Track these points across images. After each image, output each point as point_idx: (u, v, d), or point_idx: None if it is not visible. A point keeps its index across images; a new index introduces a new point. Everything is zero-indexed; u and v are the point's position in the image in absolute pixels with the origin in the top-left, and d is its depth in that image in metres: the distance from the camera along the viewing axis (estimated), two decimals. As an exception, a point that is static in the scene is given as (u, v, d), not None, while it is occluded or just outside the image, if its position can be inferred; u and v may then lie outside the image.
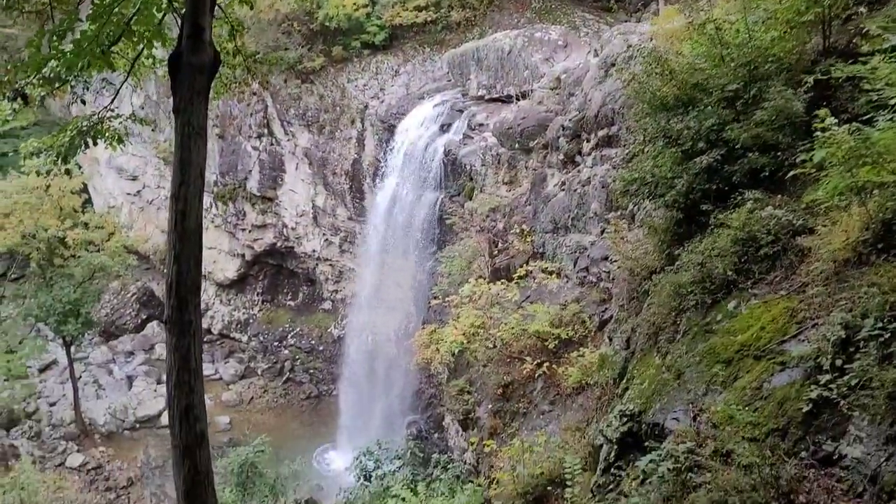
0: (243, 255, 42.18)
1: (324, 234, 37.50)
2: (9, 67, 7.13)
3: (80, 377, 38.37)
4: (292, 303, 43.57)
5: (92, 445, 34.71)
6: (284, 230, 39.27)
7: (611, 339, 12.86)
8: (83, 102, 8.42)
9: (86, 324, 32.97)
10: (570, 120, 18.63)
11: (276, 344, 42.30)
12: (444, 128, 28.07)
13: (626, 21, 30.50)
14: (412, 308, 33.85)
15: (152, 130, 43.71)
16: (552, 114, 20.70)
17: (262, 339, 42.77)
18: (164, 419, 36.86)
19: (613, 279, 16.78)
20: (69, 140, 7.92)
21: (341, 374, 38.15)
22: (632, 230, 15.06)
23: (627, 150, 16.42)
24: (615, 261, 16.31)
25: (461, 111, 28.19)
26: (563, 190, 19.32)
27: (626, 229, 14.35)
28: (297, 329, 42.39)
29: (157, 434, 36.31)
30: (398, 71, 32.30)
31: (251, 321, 43.79)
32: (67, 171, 34.00)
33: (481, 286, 18.82)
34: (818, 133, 7.97)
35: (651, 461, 7.96)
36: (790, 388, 7.12)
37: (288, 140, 36.14)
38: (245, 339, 43.27)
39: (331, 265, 38.93)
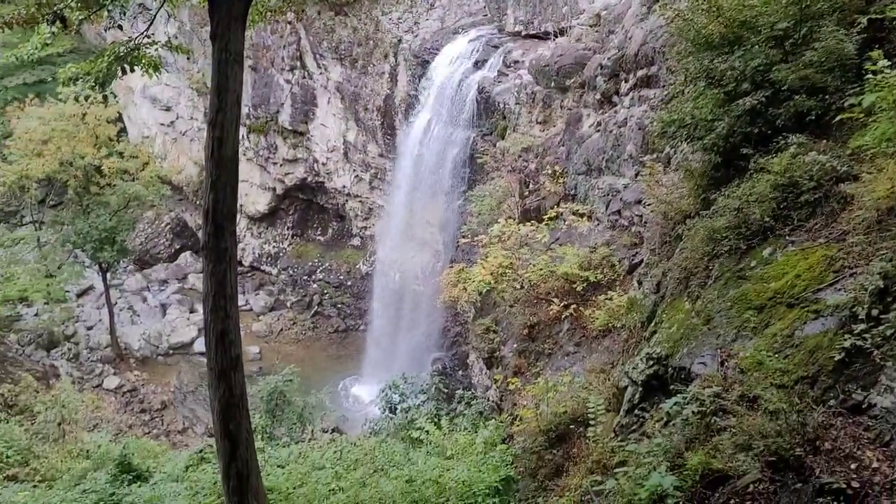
0: (274, 189, 42.43)
1: (354, 171, 37.47)
2: (46, -12, 7.06)
3: (116, 303, 39.42)
4: (321, 238, 43.96)
5: (127, 369, 35.90)
6: (315, 165, 39.31)
7: (640, 283, 12.78)
8: (120, 28, 8.36)
9: (121, 251, 33.66)
10: (608, 58, 18.12)
11: (305, 278, 42.90)
12: (479, 64, 27.54)
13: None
14: (440, 247, 33.96)
15: (187, 59, 43.55)
16: (590, 52, 20.15)
17: (291, 272, 43.37)
18: (197, 346, 37.94)
19: (646, 223, 16.60)
20: (106, 66, 7.91)
21: (369, 310, 38.71)
22: (667, 173, 14.79)
23: (667, 91, 16.00)
24: (649, 204, 16.09)
25: (496, 47, 27.59)
26: (599, 131, 18.96)
27: (661, 172, 14.09)
28: (326, 264, 42.88)
29: (190, 360, 37.43)
30: (433, 4, 31.57)
31: (281, 255, 44.36)
32: (105, 98, 34.31)
33: (511, 226, 18.75)
34: (869, 76, 7.65)
35: (676, 403, 7.98)
36: (823, 337, 7.04)
37: (320, 73, 35.81)
38: (275, 272, 43.93)
39: (360, 201, 39.02)
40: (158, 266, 44.93)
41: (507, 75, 25.78)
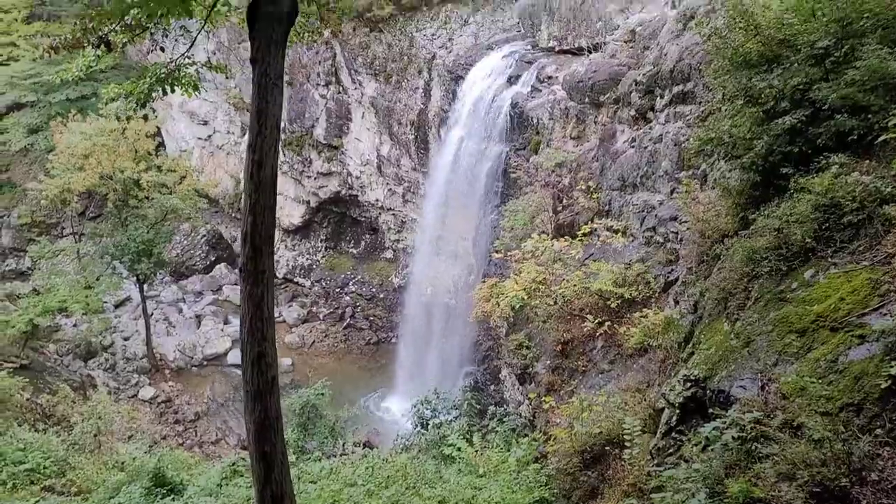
0: (308, 202, 42.88)
1: (387, 184, 37.70)
2: (93, 15, 7.25)
3: (152, 314, 40.08)
4: (354, 250, 44.27)
5: (162, 380, 36.41)
6: (349, 178, 39.64)
7: (677, 302, 12.63)
8: (162, 50, 8.54)
9: (158, 263, 34.24)
10: (643, 74, 18.01)
11: (337, 290, 43.20)
12: (512, 79, 27.57)
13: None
14: (473, 260, 33.92)
15: (226, 77, 44.31)
16: (625, 67, 20.05)
17: (324, 284, 43.72)
18: (230, 358, 38.36)
19: (682, 240, 16.40)
20: (148, 87, 8.08)
21: (401, 323, 38.78)
22: (703, 191, 14.61)
23: (703, 108, 15.87)
24: (685, 222, 15.91)
25: (530, 63, 27.61)
26: (633, 147, 18.83)
27: (697, 190, 13.92)
28: (359, 276, 43.14)
29: (223, 372, 37.85)
30: (467, 21, 31.74)
31: (314, 267, 44.75)
32: (144, 117, 35.09)
33: (544, 241, 18.66)
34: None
35: (715, 428, 7.85)
36: (868, 363, 6.87)
37: (355, 89, 36.17)
38: (308, 284, 44.30)
39: (393, 214, 39.22)
40: (194, 277, 45.61)
41: (541, 91, 25.77)
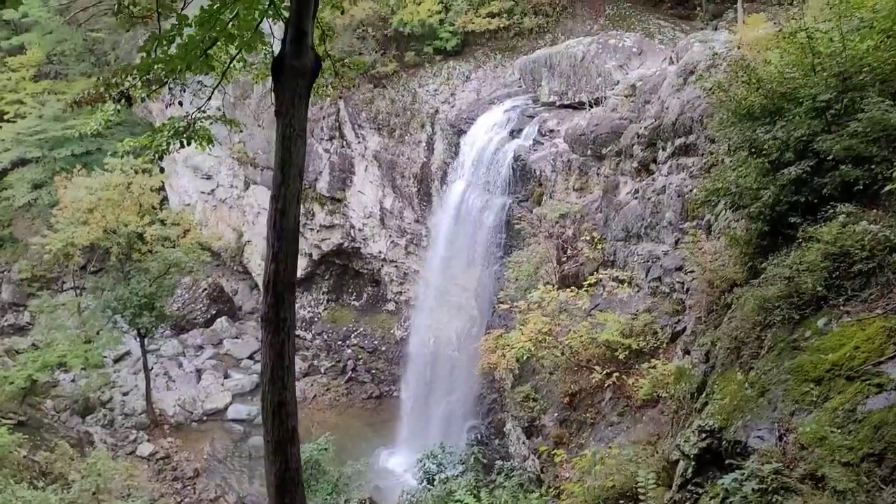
0: (311, 255, 42.98)
1: (390, 236, 37.89)
2: (118, 70, 7.44)
3: (152, 368, 39.72)
4: (356, 303, 44.18)
5: (161, 436, 35.87)
6: (352, 231, 39.86)
7: (687, 352, 12.59)
8: (180, 104, 8.74)
9: (159, 317, 34.14)
10: (645, 127, 18.34)
11: (339, 343, 42.95)
12: (515, 133, 28.00)
13: (701, 29, 29.91)
14: (475, 312, 33.84)
15: (239, 131, 44.91)
16: (626, 121, 20.42)
17: (325, 337, 43.49)
18: (231, 413, 37.92)
19: (688, 290, 16.43)
20: (166, 140, 8.24)
21: (403, 376, 38.45)
22: (709, 241, 14.72)
23: (705, 160, 16.11)
24: (691, 272, 15.97)
25: (532, 117, 28.07)
26: (636, 198, 19.03)
27: (703, 240, 14.03)
28: (361, 329, 42.94)
29: (224, 427, 37.33)
30: (469, 76, 32.42)
31: (316, 319, 44.58)
32: (161, 169, 35.53)
33: (550, 292, 18.69)
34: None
35: (734, 480, 7.75)
36: (888, 412, 6.83)
37: (358, 143, 36.69)
38: (309, 336, 44.06)
39: (396, 267, 39.30)
40: (194, 331, 45.36)
41: (543, 144, 26.15)
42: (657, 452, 12.68)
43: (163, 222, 34.40)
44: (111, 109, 8.27)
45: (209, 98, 8.55)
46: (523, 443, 23.22)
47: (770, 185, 10.26)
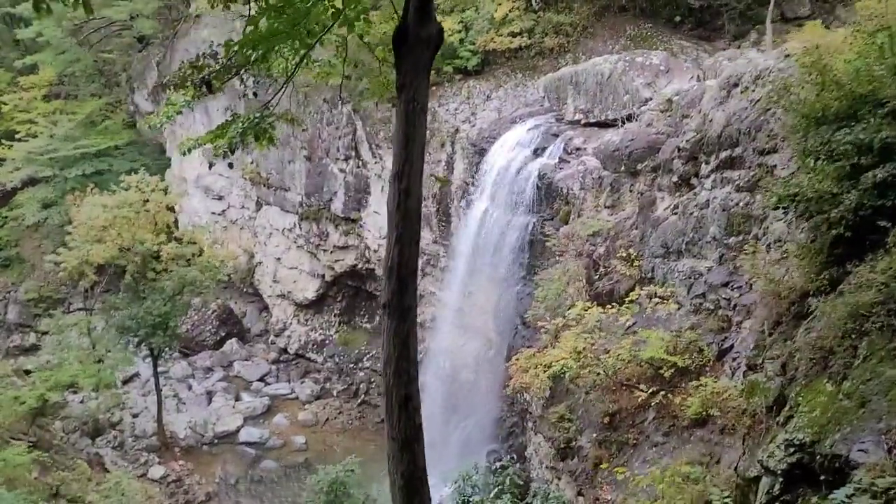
0: (323, 276, 42.52)
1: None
2: (201, 55, 7.10)
3: (162, 390, 39.06)
4: (369, 325, 43.57)
5: (172, 458, 35.07)
6: (366, 252, 39.42)
7: (754, 367, 12.12)
8: (255, 95, 8.39)
9: (173, 337, 33.57)
10: (686, 141, 18.04)
11: (351, 366, 42.30)
12: (538, 151, 27.72)
13: (724, 49, 29.83)
14: (493, 334, 33.28)
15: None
16: (663, 136, 20.15)
17: (337, 360, 42.84)
18: (242, 435, 37.17)
19: (735, 306, 16.00)
20: (240, 134, 7.88)
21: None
22: (758, 253, 14.32)
23: (753, 173, 15.76)
24: (739, 287, 15.56)
25: (556, 135, 27.82)
26: (675, 213, 18.67)
27: (763, 251, 13.63)
28: (373, 352, 42.24)
29: (235, 450, 36.55)
30: (490, 96, 32.25)
31: (327, 342, 43.96)
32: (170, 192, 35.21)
33: (590, 309, 18.24)
34: None
35: (847, 496, 7.27)
36: None
37: (375, 162, 36.43)
38: (321, 359, 43.40)
39: (411, 288, 38.76)
40: (203, 353, 44.71)
41: (569, 161, 25.86)
42: (721, 471, 12.15)
43: (178, 241, 33.96)
44: (181, 101, 7.90)
45: (281, 90, 8.18)
46: (547, 466, 22.60)
47: (851, 189, 9.90)
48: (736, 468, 10.69)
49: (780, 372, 10.47)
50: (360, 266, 40.33)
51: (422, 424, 5.92)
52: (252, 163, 43.96)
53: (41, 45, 52.82)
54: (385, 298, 6.03)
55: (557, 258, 25.81)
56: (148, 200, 33.00)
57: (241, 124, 7.93)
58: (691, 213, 17.69)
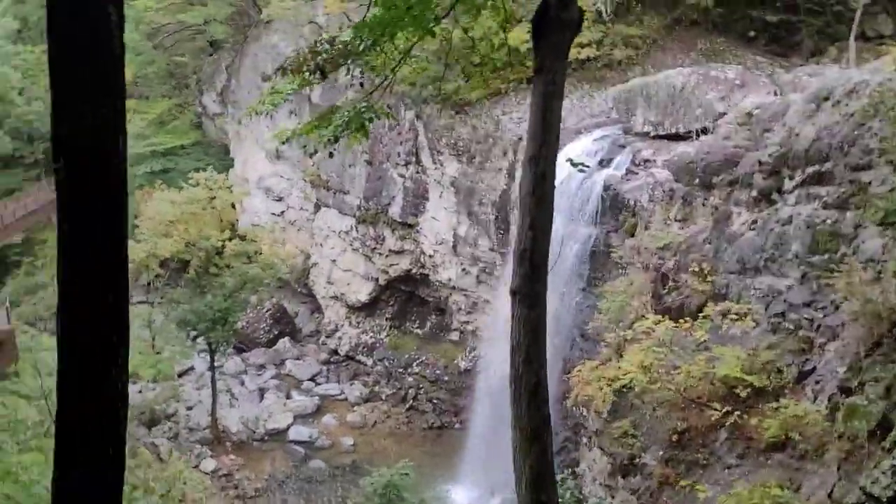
0: (377, 280, 42.70)
1: (461, 264, 37.34)
2: (318, 41, 7.14)
3: (216, 385, 39.65)
4: (419, 331, 43.54)
5: (223, 452, 35.50)
6: (421, 257, 39.46)
7: (849, 390, 11.62)
8: (361, 86, 8.40)
9: (231, 332, 34.09)
10: (769, 155, 17.55)
11: (400, 370, 42.26)
12: (604, 162, 27.37)
13: (801, 65, 29.12)
14: (549, 346, 32.92)
15: (303, 152, 45.29)
16: (742, 149, 19.67)
17: (387, 364, 42.87)
18: (292, 433, 37.44)
19: (819, 327, 15.43)
20: (345, 123, 7.87)
21: (466, 408, 37.47)
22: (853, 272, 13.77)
23: (844, 189, 15.23)
24: (823, 307, 15.02)
25: (623, 147, 27.45)
26: (753, 229, 18.16)
27: (859, 270, 13.11)
28: (423, 357, 42.18)
29: (284, 448, 36.82)
30: (555, 105, 32.01)
31: (377, 345, 44.07)
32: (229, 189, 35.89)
33: (662, 322, 17.83)
34: None
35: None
36: None
37: (435, 169, 36.50)
38: (370, 362, 43.53)
39: (465, 295, 38.64)
40: (257, 350, 45.30)
41: (637, 173, 25.48)
42: (803, 498, 11.68)
43: (242, 238, 34.53)
44: (288, 88, 7.94)
45: (391, 74, 8.15)
46: (601, 483, 22.14)
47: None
48: (830, 494, 10.24)
49: (883, 395, 10.01)
50: (414, 271, 40.38)
51: (549, 415, 5.76)
52: (313, 165, 44.53)
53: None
54: (515, 285, 5.91)
55: (620, 271, 25.43)
56: (214, 198, 33.62)
57: (345, 114, 7.93)
58: (771, 230, 17.17)
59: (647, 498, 17.64)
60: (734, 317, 16.93)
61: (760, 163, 17.86)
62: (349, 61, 7.83)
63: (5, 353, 31.53)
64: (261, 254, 34.08)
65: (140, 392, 37.65)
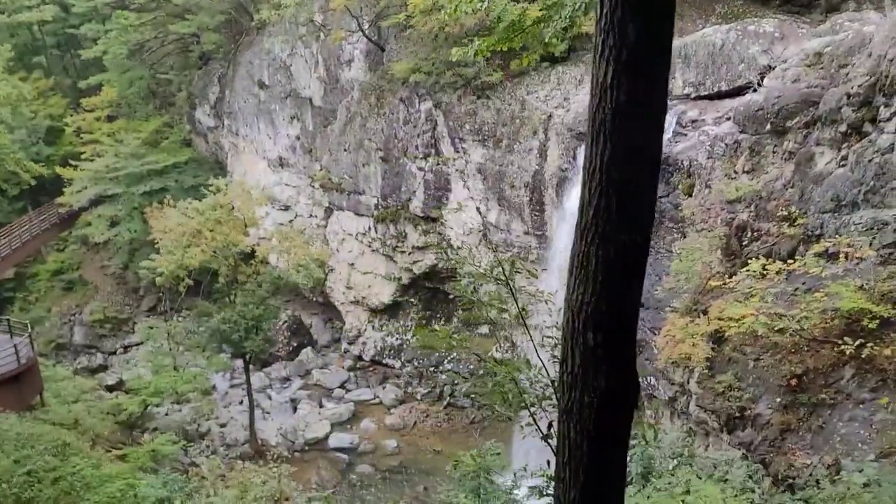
0: (400, 279, 41.87)
1: (493, 252, 36.67)
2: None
3: (242, 402, 38.49)
4: (447, 327, 42.75)
5: (266, 466, 34.24)
6: (448, 251, 38.66)
7: None
8: None
9: (266, 340, 33.04)
10: (859, 86, 17.26)
11: (431, 369, 41.42)
12: (646, 129, 27.01)
13: (821, 22, 29.12)
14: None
15: (310, 157, 44.43)
16: (818, 89, 19.38)
17: (416, 364, 41.99)
18: (332, 441, 36.42)
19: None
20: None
21: (509, 399, 36.72)
22: None
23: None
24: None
25: (664, 111, 27.12)
26: (844, 165, 17.83)
27: None
28: (453, 354, 41.37)
29: (326, 457, 35.77)
30: (581, 80, 31.65)
31: (404, 347, 43.18)
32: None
33: (773, 266, 17.35)
34: None
35: None
36: None
37: (458, 157, 35.85)
38: (398, 364, 42.61)
39: (497, 284, 37.94)
40: (277, 364, 44.29)
41: (686, 134, 25.13)
42: None
43: (268, 240, 33.52)
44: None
45: None
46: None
47: None
48: None
49: None
50: (440, 265, 39.60)
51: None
52: (321, 170, 43.68)
53: (98, 66, 53.13)
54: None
55: (676, 235, 25.02)
56: (233, 207, 32.63)
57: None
58: (869, 160, 16.85)
59: (766, 448, 17.10)
60: (844, 251, 16.53)
61: (849, 95, 17.56)
62: None
63: (31, 382, 30.20)
64: (289, 255, 33.02)
65: (167, 414, 36.34)
